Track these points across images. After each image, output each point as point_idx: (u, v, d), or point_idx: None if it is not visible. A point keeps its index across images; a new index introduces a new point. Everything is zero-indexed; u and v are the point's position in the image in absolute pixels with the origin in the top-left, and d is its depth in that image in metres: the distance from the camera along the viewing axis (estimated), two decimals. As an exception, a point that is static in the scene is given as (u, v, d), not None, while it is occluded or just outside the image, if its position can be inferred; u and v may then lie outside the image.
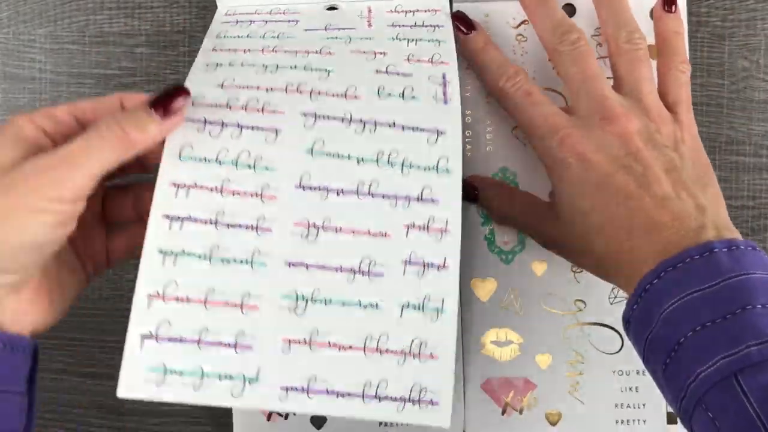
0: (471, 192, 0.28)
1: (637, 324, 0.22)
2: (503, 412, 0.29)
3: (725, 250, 0.20)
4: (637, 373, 0.29)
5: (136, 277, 0.30)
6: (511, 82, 0.25)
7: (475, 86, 0.29)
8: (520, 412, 0.29)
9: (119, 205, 0.25)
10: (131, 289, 0.30)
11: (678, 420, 0.28)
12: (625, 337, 0.29)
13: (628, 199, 0.22)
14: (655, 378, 0.22)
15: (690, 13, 0.30)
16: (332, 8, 0.29)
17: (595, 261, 0.24)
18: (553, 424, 0.29)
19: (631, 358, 0.29)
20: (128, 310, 0.29)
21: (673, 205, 0.22)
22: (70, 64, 0.30)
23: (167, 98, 0.21)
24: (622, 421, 0.29)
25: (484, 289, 0.29)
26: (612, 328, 0.29)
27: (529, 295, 0.29)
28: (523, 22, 0.29)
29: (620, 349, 0.29)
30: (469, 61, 0.28)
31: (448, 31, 0.27)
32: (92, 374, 0.30)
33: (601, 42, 0.29)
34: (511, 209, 0.27)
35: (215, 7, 0.29)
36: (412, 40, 0.26)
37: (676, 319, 0.20)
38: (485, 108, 0.29)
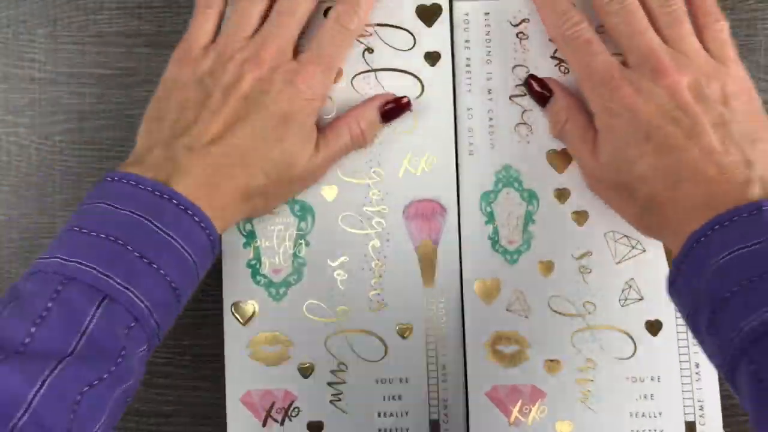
0: (544, 96, 0.27)
1: (685, 279, 0.22)
2: (510, 422, 0.27)
3: None
4: (652, 379, 0.27)
5: None
6: (573, 29, 0.25)
7: (478, 85, 0.28)
8: (529, 422, 0.27)
9: None
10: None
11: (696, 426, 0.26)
12: (638, 342, 0.27)
13: (675, 150, 0.23)
14: (697, 336, 0.22)
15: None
16: (331, 8, 0.28)
17: (638, 211, 0.24)
18: (565, 435, 0.27)
19: (646, 363, 0.27)
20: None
21: (720, 159, 0.22)
22: (70, 64, 0.30)
23: (396, 112, 0.27)
24: (638, 432, 0.27)
25: (489, 290, 0.28)
26: (624, 332, 0.27)
27: (536, 296, 0.27)
28: (523, 21, 0.29)
29: (633, 354, 0.27)
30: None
31: None
32: (88, 378, 0.29)
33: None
34: (568, 135, 0.27)
35: (215, 7, 0.29)
36: None
37: (724, 274, 0.20)
38: (486, 106, 0.28)
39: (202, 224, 0.22)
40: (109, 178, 0.22)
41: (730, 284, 0.20)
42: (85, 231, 0.21)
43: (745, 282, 0.19)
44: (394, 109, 0.27)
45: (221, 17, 0.27)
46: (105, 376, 0.19)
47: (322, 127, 0.27)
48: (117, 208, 0.21)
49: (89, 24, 0.30)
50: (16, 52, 0.30)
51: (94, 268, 0.20)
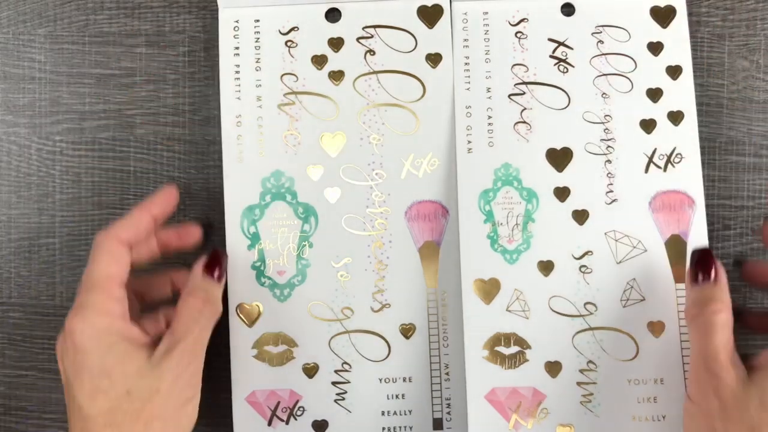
0: (709, 269, 0.23)
1: None
2: (510, 426, 0.26)
3: None
4: (655, 381, 0.26)
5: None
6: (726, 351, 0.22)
7: (476, 83, 0.27)
8: (530, 426, 0.26)
9: (157, 289, 0.27)
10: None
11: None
12: (641, 343, 0.26)
13: None
14: None
15: (690, 14, 0.29)
16: (333, 10, 0.28)
17: None
18: (566, 438, 0.25)
19: (648, 365, 0.26)
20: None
21: None
22: (69, 64, 0.29)
23: (215, 262, 0.25)
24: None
25: (488, 290, 0.26)
26: (625, 333, 0.26)
27: (536, 297, 0.26)
28: (522, 20, 0.28)
29: (635, 356, 0.26)
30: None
31: None
32: (90, 377, 0.28)
33: (602, 39, 0.27)
34: (716, 333, 0.22)
35: (215, 7, 0.28)
36: None
37: None
38: (485, 104, 0.27)
39: None
40: None
41: None
42: None
43: None
44: (213, 260, 0.25)
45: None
46: None
47: (154, 337, 0.24)
48: None
49: (89, 24, 0.29)
50: (16, 52, 0.29)
51: None
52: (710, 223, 0.28)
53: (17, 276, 0.29)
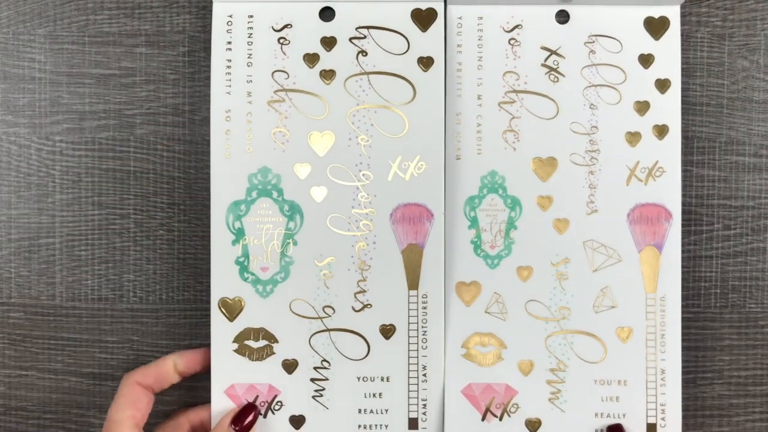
0: None
1: None
2: (483, 418, 0.32)
3: None
4: (619, 383, 0.31)
5: (135, 277, 0.33)
6: None
7: (467, 90, 0.31)
8: (500, 418, 0.31)
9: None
10: (131, 289, 0.33)
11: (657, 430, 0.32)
12: (609, 347, 0.31)
13: None
14: None
15: (690, 13, 0.32)
16: (327, 8, 0.31)
17: None
18: (533, 431, 0.32)
19: (614, 367, 0.31)
20: (128, 310, 0.32)
21: None
22: (69, 63, 0.33)
23: (243, 415, 0.29)
24: (602, 430, 0.31)
25: (469, 293, 0.32)
26: (595, 337, 0.32)
27: (514, 300, 0.31)
28: (516, 27, 0.32)
29: (603, 359, 0.31)
30: None
31: None
32: (92, 374, 0.33)
33: (594, 49, 0.32)
34: None
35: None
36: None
37: None
38: (475, 111, 0.32)
39: None
40: None
41: None
42: None
43: None
44: (243, 414, 0.29)
45: None
46: None
47: None
48: None
49: (89, 24, 0.32)
50: (16, 52, 0.32)
51: None
52: (710, 223, 0.32)
53: (17, 276, 0.32)
